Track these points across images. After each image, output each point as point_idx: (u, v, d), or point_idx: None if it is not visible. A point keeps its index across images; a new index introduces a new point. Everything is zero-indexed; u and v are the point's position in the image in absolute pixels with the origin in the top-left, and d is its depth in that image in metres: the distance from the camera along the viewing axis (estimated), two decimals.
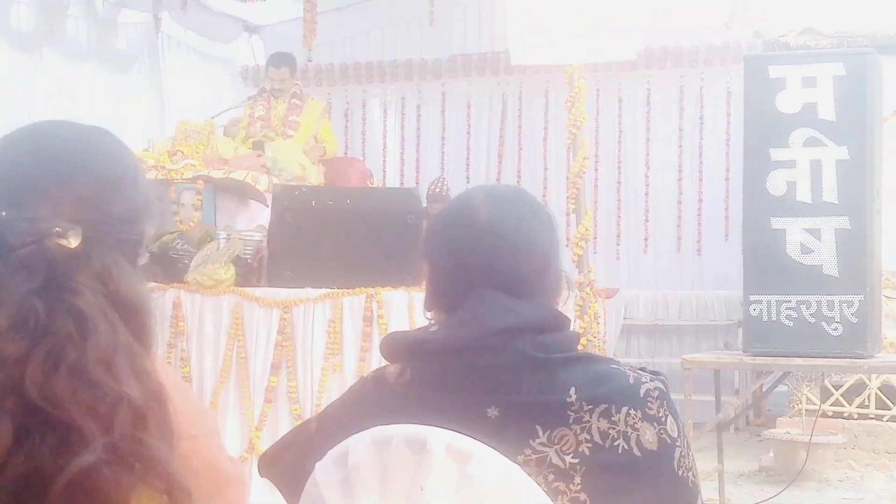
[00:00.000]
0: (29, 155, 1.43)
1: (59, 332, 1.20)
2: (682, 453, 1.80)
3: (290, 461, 1.94)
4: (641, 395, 1.79)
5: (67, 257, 1.27)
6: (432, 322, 1.93)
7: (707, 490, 3.30)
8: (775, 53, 7.84)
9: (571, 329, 1.93)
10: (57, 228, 1.28)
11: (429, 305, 1.96)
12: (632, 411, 1.76)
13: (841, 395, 7.99)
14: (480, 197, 1.96)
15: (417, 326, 2.00)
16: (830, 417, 7.80)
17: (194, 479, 1.73)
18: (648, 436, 1.76)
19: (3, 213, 1.31)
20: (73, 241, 1.28)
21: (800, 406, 7.89)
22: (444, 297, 1.92)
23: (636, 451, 1.74)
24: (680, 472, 1.79)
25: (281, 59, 8.75)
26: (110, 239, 1.35)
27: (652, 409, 1.78)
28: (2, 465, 1.14)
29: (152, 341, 1.33)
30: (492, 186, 2.04)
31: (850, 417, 7.91)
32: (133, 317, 1.28)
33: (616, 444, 1.73)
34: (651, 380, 1.83)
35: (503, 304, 1.82)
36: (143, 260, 1.50)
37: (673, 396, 1.87)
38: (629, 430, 1.74)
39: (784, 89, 6.11)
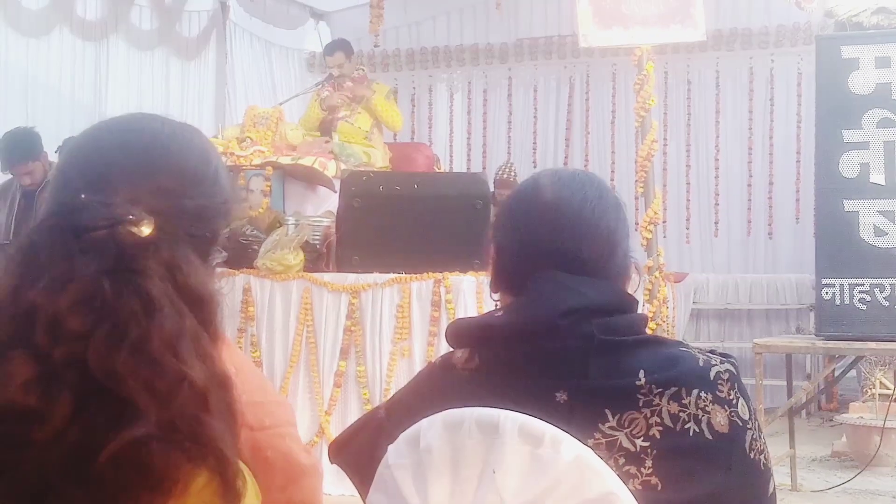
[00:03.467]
0: (116, 142, 1.46)
1: (125, 310, 1.22)
2: (754, 436, 1.78)
3: (360, 447, 1.94)
4: (712, 378, 1.76)
5: (137, 244, 1.29)
6: (498, 305, 1.92)
7: (779, 475, 3.27)
8: (848, 33, 7.69)
9: (640, 311, 1.90)
10: (131, 216, 1.31)
11: (495, 287, 1.95)
12: (702, 394, 1.73)
13: None
14: (546, 178, 1.95)
15: (485, 311, 1.99)
16: None
17: (268, 470, 1.74)
18: (719, 419, 1.73)
19: (83, 196, 1.35)
20: (146, 230, 1.31)
21: (873, 391, 7.78)
22: (509, 278, 1.90)
23: (707, 435, 1.72)
24: (752, 455, 1.77)
25: (333, 46, 8.77)
26: (181, 232, 1.37)
27: (722, 392, 1.76)
28: (59, 435, 1.17)
29: (220, 334, 1.34)
30: (559, 169, 2.04)
31: None
32: (200, 308, 1.30)
33: (687, 427, 1.71)
34: (721, 362, 1.80)
35: (567, 284, 1.81)
36: (219, 257, 1.52)
37: (744, 381, 1.84)
38: (700, 413, 1.72)
39: (857, 70, 6.04)
